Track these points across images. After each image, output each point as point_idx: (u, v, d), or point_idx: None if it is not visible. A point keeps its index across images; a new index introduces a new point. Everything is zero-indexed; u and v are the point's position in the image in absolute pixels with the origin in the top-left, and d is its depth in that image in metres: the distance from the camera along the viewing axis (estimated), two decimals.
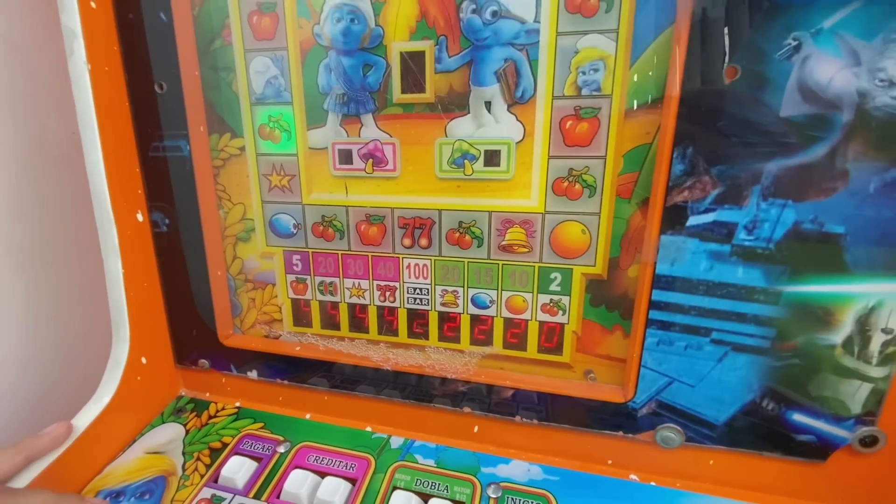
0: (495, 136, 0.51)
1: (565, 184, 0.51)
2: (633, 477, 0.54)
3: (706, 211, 0.45)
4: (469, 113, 0.51)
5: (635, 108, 0.47)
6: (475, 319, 0.58)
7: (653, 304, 0.48)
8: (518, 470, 0.55)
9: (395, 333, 0.61)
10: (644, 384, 0.51)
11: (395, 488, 0.52)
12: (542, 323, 0.56)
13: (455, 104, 0.51)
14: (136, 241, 0.60)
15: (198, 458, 0.57)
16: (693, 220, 0.45)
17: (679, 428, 0.51)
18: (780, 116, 0.41)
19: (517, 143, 0.51)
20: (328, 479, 0.52)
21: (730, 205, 0.44)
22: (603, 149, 0.49)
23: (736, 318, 0.47)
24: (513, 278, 0.55)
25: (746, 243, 0.45)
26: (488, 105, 0.51)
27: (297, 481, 0.52)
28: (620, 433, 0.53)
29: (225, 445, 0.59)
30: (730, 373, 0.48)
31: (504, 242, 0.54)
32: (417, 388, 0.59)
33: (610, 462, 0.55)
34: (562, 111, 0.49)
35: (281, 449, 0.58)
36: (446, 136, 0.52)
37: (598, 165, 0.49)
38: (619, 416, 0.53)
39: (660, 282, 0.48)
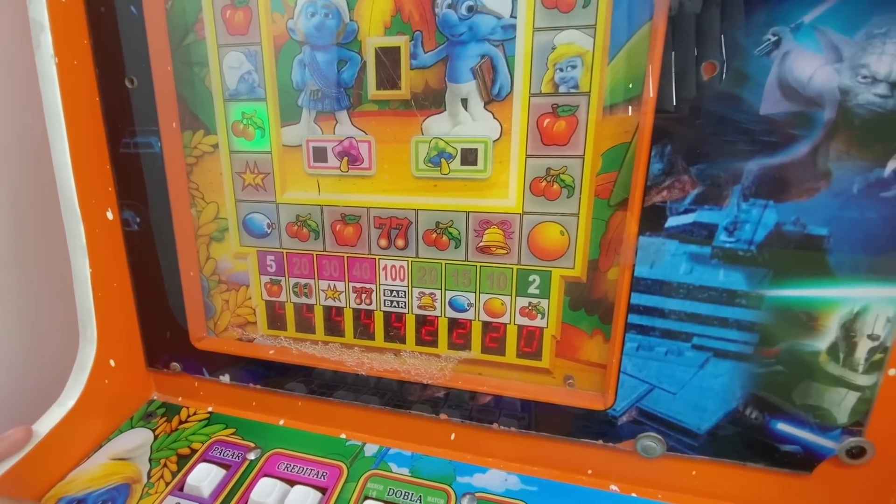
0: (472, 135, 0.50)
1: (543, 183, 0.49)
2: (614, 487, 0.52)
3: (686, 212, 0.43)
4: (445, 110, 0.50)
5: (613, 106, 0.46)
6: (453, 323, 0.56)
7: (632, 308, 0.47)
8: (495, 479, 0.53)
9: (372, 337, 0.59)
10: (624, 391, 0.49)
11: (366, 497, 0.50)
12: (521, 327, 0.54)
13: (431, 101, 0.50)
14: (106, 240, 0.58)
15: (164, 465, 0.55)
16: (672, 221, 0.44)
17: (660, 437, 0.49)
18: (760, 114, 0.40)
19: (494, 141, 0.50)
20: (297, 487, 0.50)
21: (710, 205, 0.43)
22: (581, 148, 0.48)
23: (717, 322, 0.45)
24: (491, 280, 0.54)
25: (727, 245, 0.43)
26: (465, 102, 0.49)
27: (265, 490, 0.50)
28: (601, 442, 0.51)
29: (194, 452, 0.57)
30: (712, 380, 0.47)
31: (482, 244, 0.53)
32: (394, 395, 0.57)
33: (590, 472, 0.53)
34: (539, 109, 0.48)
35: (251, 456, 0.56)
36: (422, 134, 0.51)
37: (576, 165, 0.48)
38: (599, 424, 0.51)
39: (639, 285, 0.46)
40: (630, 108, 0.45)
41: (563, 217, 0.50)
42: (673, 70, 0.41)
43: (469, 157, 0.50)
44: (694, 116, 0.41)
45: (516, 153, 0.49)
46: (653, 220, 0.44)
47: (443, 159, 0.51)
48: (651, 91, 0.42)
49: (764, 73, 0.39)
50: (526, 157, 0.49)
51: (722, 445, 0.48)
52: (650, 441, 0.49)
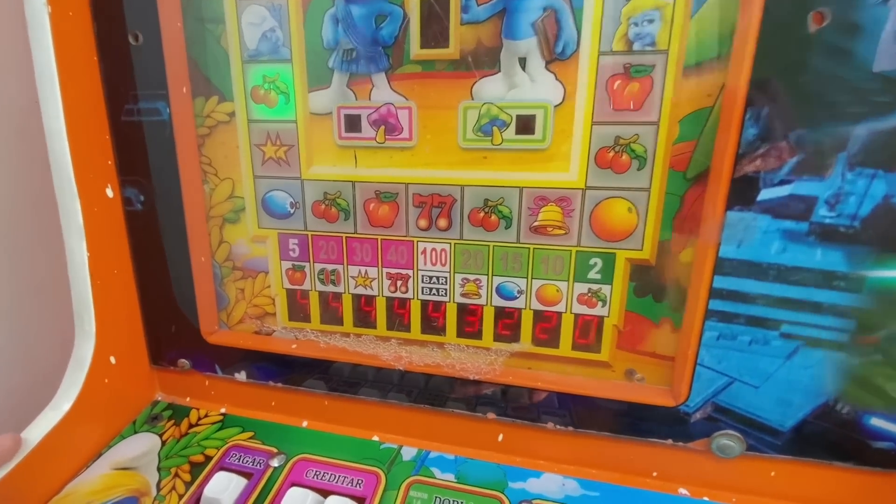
0: (530, 99, 0.44)
1: (611, 154, 0.44)
2: (683, 491, 0.47)
3: (781, 183, 0.39)
4: (500, 71, 0.44)
5: (695, 65, 0.41)
6: (500, 312, 0.51)
7: (714, 293, 0.42)
8: (551, 484, 0.48)
9: (407, 329, 0.54)
10: (699, 385, 0.44)
11: None
12: (577, 316, 0.49)
13: (483, 61, 0.44)
14: (105, 221, 0.51)
15: (176, 475, 0.49)
16: (765, 194, 0.39)
17: (739, 435, 0.45)
18: (872, 71, 0.35)
19: (556, 106, 0.44)
20: (332, 498, 0.44)
21: (809, 176, 0.38)
22: (656, 113, 0.42)
23: (811, 308, 0.40)
24: (545, 265, 0.48)
25: (827, 220, 0.38)
26: (523, 62, 0.44)
27: (296, 501, 0.44)
28: (670, 441, 0.46)
29: (208, 459, 0.51)
30: (800, 371, 0.42)
31: (536, 223, 0.47)
32: (433, 391, 0.52)
33: (655, 474, 0.48)
34: (609, 69, 0.42)
35: (275, 462, 0.50)
36: (472, 99, 0.45)
37: (649, 133, 0.43)
38: (668, 422, 0.46)
39: (723, 266, 0.41)
40: (714, 68, 0.40)
41: (632, 192, 0.45)
42: (773, 20, 0.36)
43: (526, 124, 0.45)
44: (797, 74, 0.36)
45: (581, 120, 0.44)
46: (743, 192, 0.39)
47: (495, 127, 0.46)
48: (748, 44, 0.37)
49: (879, 24, 0.35)
50: (592, 125, 0.44)
51: (807, 443, 0.44)
52: (728, 440, 0.45)
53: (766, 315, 0.41)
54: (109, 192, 0.52)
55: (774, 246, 0.40)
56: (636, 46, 0.41)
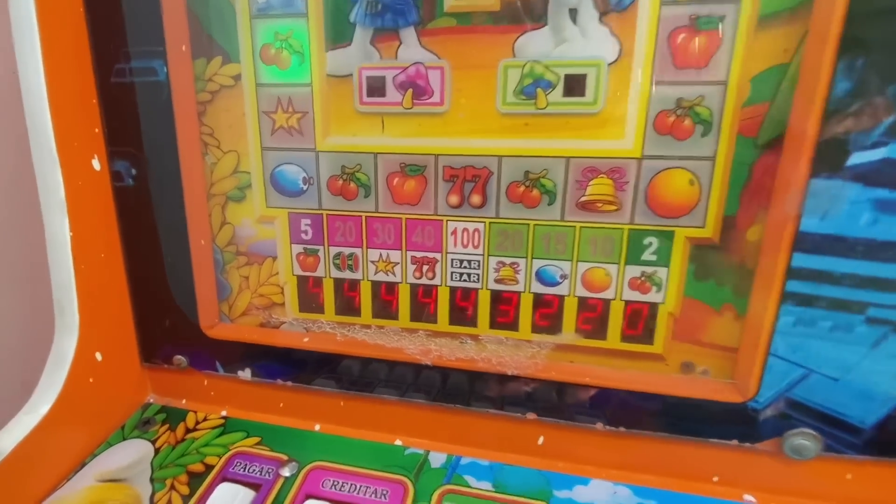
0: (581, 56, 0.39)
1: (672, 118, 0.39)
2: (749, 498, 0.42)
3: (875, 146, 0.34)
4: (546, 25, 0.39)
5: (771, 15, 0.36)
6: (538, 300, 0.46)
7: (791, 273, 0.37)
8: (601, 492, 0.42)
9: (433, 319, 0.48)
10: (771, 378, 0.40)
11: None
12: (627, 303, 0.44)
13: (528, 13, 0.39)
14: (91, 197, 0.45)
15: (172, 487, 0.43)
16: (856, 159, 0.34)
17: (815, 434, 0.40)
18: None
19: (610, 64, 0.39)
20: None
21: None
22: (724, 71, 0.38)
23: None
24: (593, 245, 0.43)
25: None
26: (573, 14, 0.39)
27: None
28: (735, 442, 0.41)
29: (209, 468, 0.44)
30: (887, 361, 0.37)
31: (585, 198, 0.42)
32: (459, 389, 0.46)
33: (717, 479, 0.43)
34: (672, 22, 0.38)
35: (286, 472, 0.44)
36: (514, 57, 0.40)
37: (716, 94, 0.38)
38: (733, 421, 0.41)
39: (804, 242, 0.36)
40: (793, 17, 0.36)
41: (695, 162, 0.40)
42: None
43: (575, 85, 0.40)
44: None
45: (638, 79, 0.39)
46: (829, 157, 0.35)
47: (539, 89, 0.40)
48: None
49: None
50: (651, 85, 0.39)
51: (891, 442, 0.39)
52: (803, 439, 0.40)
53: (851, 297, 0.37)
54: (96, 164, 0.45)
55: (864, 218, 0.35)
56: None
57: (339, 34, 0.43)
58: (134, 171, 0.46)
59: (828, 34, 0.33)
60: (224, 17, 0.44)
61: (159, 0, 0.42)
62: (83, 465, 0.45)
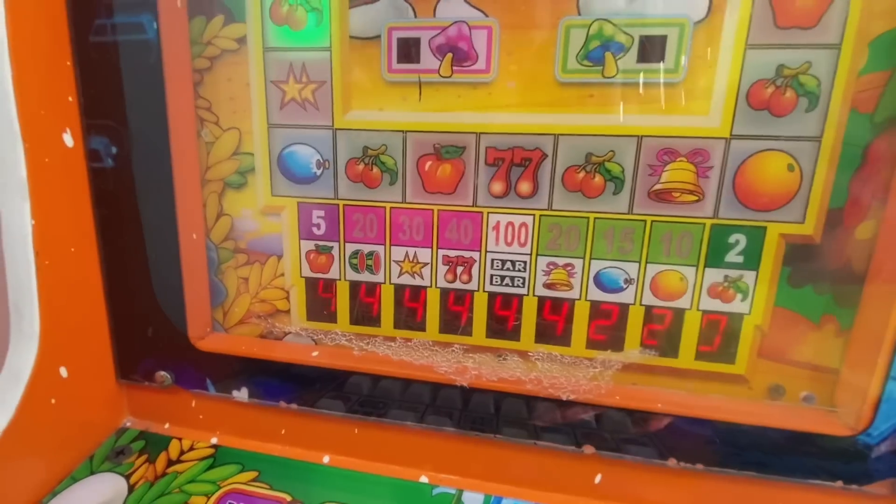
0: (660, 14, 0.33)
1: (770, 90, 0.32)
2: None
3: None
4: None
5: None
6: (595, 310, 0.38)
7: None
8: None
9: (467, 332, 0.41)
10: (889, 407, 0.32)
11: None
12: (705, 314, 0.37)
13: None
14: (60, 179, 0.38)
15: None
16: None
17: None
18: None
19: (696, 23, 0.32)
20: None
21: None
22: (837, 33, 0.31)
23: None
24: (666, 244, 0.36)
25: None
26: None
27: None
28: (839, 484, 0.34)
29: None
30: None
31: (659, 186, 0.35)
32: (498, 415, 0.39)
33: None
34: None
35: None
36: (578, 15, 0.34)
37: (825, 59, 0.32)
38: (838, 458, 0.34)
39: None
40: None
41: (796, 143, 0.33)
42: None
43: (653, 48, 0.33)
44: None
45: (730, 42, 0.32)
46: None
47: (608, 53, 0.34)
48: None
49: None
50: (746, 49, 0.32)
51: None
52: None
53: None
54: (68, 140, 0.38)
55: None
56: None
57: None
58: (114, 150, 0.39)
59: None
60: None
61: None
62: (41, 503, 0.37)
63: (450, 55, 0.36)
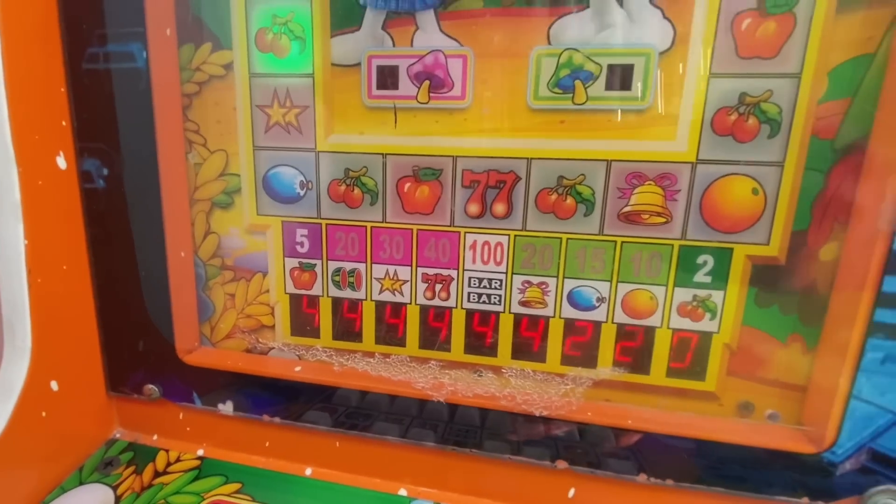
0: (627, 43, 0.34)
1: (733, 117, 0.34)
2: None
3: None
4: (588, 7, 0.34)
5: None
6: (570, 327, 0.39)
7: (882, 299, 0.31)
8: None
9: (446, 348, 0.42)
10: (853, 424, 0.33)
11: None
12: (675, 332, 0.38)
13: None
14: (53, 199, 0.39)
15: None
16: None
17: None
18: None
19: (662, 52, 0.34)
20: None
21: None
22: (797, 62, 0.32)
23: None
24: (637, 264, 0.37)
25: None
26: None
27: None
28: (805, 501, 0.35)
29: None
30: None
31: (628, 208, 0.36)
32: (476, 431, 0.40)
33: None
34: (736, 4, 0.32)
35: None
36: (549, 44, 0.35)
37: (786, 88, 0.33)
38: (804, 475, 0.35)
39: None
40: (880, 0, 0.30)
41: (760, 167, 0.34)
42: None
43: (620, 77, 0.34)
44: None
45: (695, 71, 0.33)
46: None
47: (578, 81, 0.35)
48: None
49: None
50: (710, 77, 0.33)
51: None
52: (890, 498, 0.33)
53: None
54: (61, 163, 0.39)
55: None
56: None
57: (345, 17, 0.37)
58: (105, 171, 0.40)
59: None
60: None
61: None
62: None
63: (427, 82, 0.37)
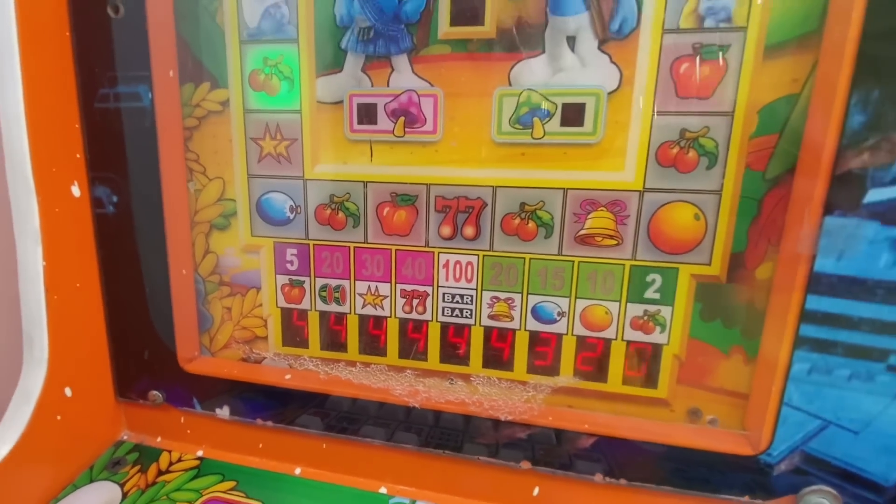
0: (579, 84, 0.38)
1: (675, 150, 0.37)
2: None
3: (894, 182, 0.32)
4: (544, 52, 0.38)
5: (779, 45, 0.34)
6: (534, 339, 0.43)
7: (806, 316, 0.34)
8: None
9: (422, 357, 0.45)
10: (785, 429, 0.36)
11: None
12: (630, 343, 0.41)
13: (525, 41, 0.38)
14: (69, 224, 0.43)
15: None
16: (873, 196, 0.32)
17: (834, 492, 0.36)
18: None
19: (610, 93, 0.37)
20: None
21: None
22: (730, 102, 0.36)
23: None
24: (592, 281, 0.41)
25: None
26: (571, 41, 0.37)
27: None
28: (746, 499, 0.38)
29: None
30: None
31: (583, 232, 0.40)
32: (450, 434, 0.43)
33: None
34: (675, 50, 0.36)
35: None
36: (510, 85, 0.39)
37: (722, 125, 0.36)
38: (744, 475, 0.38)
39: (819, 283, 0.34)
40: (803, 46, 0.34)
41: (700, 195, 0.38)
42: None
43: (573, 114, 0.38)
44: None
45: (640, 109, 0.37)
46: (845, 194, 0.32)
47: (536, 118, 0.39)
48: (854, 12, 0.30)
49: None
50: (653, 115, 0.37)
51: None
52: (821, 497, 0.37)
53: (871, 344, 0.34)
54: (76, 191, 0.44)
55: (883, 259, 0.33)
56: (708, 23, 0.35)
57: (329, 61, 0.42)
58: (115, 198, 0.45)
59: (840, 64, 0.31)
60: (213, 41, 0.43)
61: (146, 25, 0.41)
62: None
63: (402, 118, 0.41)
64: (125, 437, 0.50)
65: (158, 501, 0.42)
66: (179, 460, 0.47)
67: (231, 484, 0.44)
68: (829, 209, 0.33)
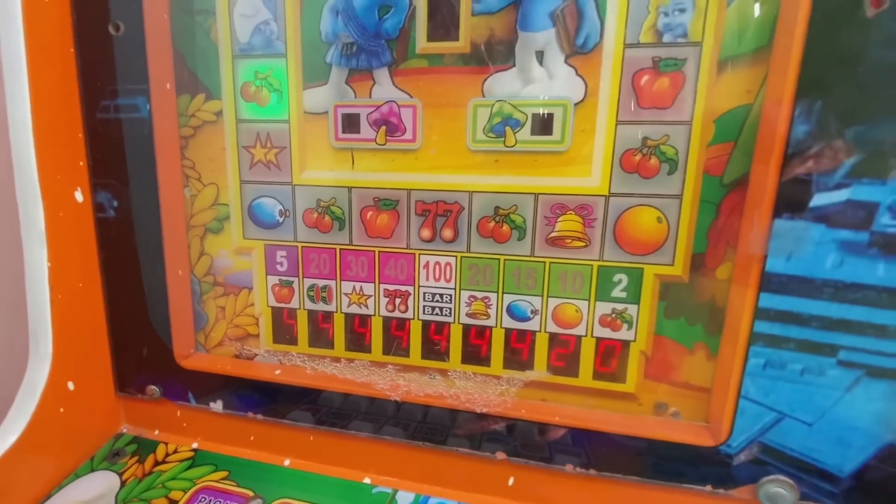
0: (548, 96, 0.40)
1: (637, 157, 0.39)
2: None
3: (837, 187, 0.34)
4: (514, 66, 0.40)
5: (732, 58, 0.37)
6: (511, 335, 0.45)
7: (760, 313, 0.36)
8: None
9: (405, 353, 0.48)
10: (743, 421, 0.38)
11: None
12: (599, 340, 0.43)
13: (496, 55, 0.40)
14: (72, 228, 0.46)
15: None
16: (819, 200, 0.34)
17: (790, 481, 0.38)
18: None
19: (576, 104, 0.40)
20: None
21: (870, 178, 0.33)
22: (688, 112, 0.38)
23: (873, 331, 0.35)
24: (563, 281, 0.43)
25: (890, 230, 0.34)
26: (540, 56, 0.40)
27: None
28: (708, 488, 0.40)
29: (173, 503, 0.44)
30: (862, 406, 0.36)
31: (554, 234, 0.42)
32: (430, 426, 0.46)
33: None
34: (636, 63, 0.38)
35: None
36: (483, 97, 0.41)
37: (681, 133, 0.38)
38: (706, 465, 0.40)
39: (770, 282, 0.36)
40: (755, 60, 0.36)
41: (662, 199, 0.40)
42: (825, 4, 0.32)
43: (543, 124, 0.41)
44: (854, 63, 0.32)
45: (604, 119, 0.39)
46: (793, 198, 0.35)
47: (508, 128, 0.41)
48: (797, 31, 0.33)
49: None
50: (616, 124, 0.39)
51: (870, 492, 0.37)
52: (779, 487, 0.38)
53: (822, 339, 0.36)
54: (79, 196, 0.47)
55: (830, 259, 0.35)
56: (666, 38, 0.37)
57: (315, 74, 0.44)
58: (116, 203, 0.47)
59: (785, 78, 0.34)
60: (208, 56, 0.46)
61: (145, 41, 0.43)
62: (49, 496, 0.45)
63: (384, 127, 0.44)
64: (124, 430, 0.53)
65: (154, 489, 0.45)
66: (175, 451, 0.50)
67: (223, 474, 0.47)
68: (778, 212, 0.35)
